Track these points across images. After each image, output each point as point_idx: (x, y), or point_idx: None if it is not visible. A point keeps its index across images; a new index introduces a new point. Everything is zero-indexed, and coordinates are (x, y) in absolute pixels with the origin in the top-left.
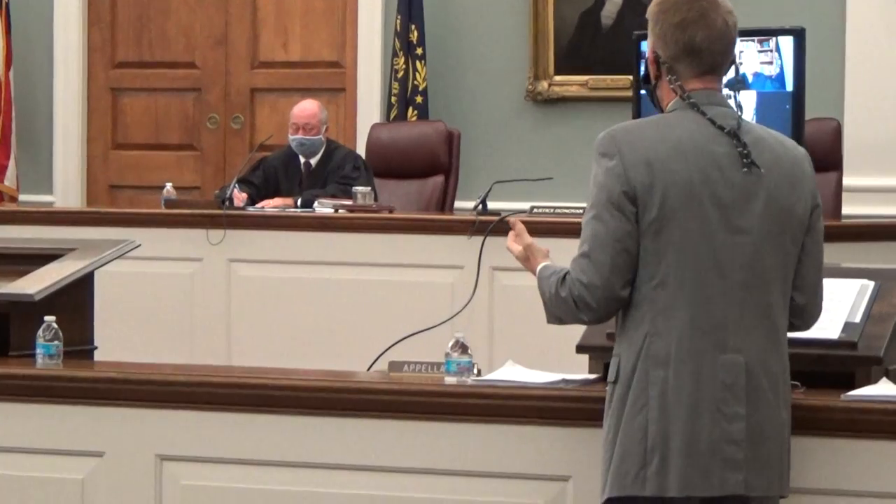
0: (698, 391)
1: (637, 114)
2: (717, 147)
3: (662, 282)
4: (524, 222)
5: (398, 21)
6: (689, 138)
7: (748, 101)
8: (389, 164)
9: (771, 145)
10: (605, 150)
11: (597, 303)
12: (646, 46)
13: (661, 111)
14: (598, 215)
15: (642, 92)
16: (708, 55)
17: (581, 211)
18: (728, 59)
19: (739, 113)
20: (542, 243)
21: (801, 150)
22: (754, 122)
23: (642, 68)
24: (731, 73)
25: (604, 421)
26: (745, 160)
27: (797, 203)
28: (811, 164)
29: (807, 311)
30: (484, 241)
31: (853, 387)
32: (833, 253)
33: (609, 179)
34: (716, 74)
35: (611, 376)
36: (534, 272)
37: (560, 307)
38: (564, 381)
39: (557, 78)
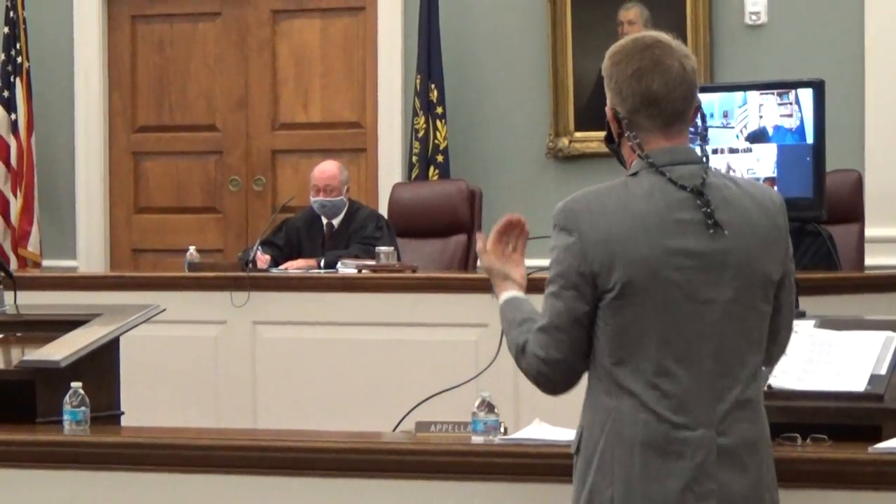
0: (666, 473)
1: None
2: (681, 214)
3: (627, 359)
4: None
5: (418, 80)
6: (652, 208)
7: (768, 155)
8: (412, 223)
9: (743, 204)
10: (565, 224)
11: (556, 377)
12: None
13: (627, 169)
14: (556, 292)
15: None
16: (667, 103)
17: None
18: (691, 105)
19: (706, 167)
20: None
21: (776, 199)
22: (775, 173)
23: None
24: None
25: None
26: (709, 221)
27: (770, 262)
28: (785, 212)
29: (773, 359)
30: None
31: (880, 439)
32: (857, 305)
33: (568, 257)
34: (679, 125)
35: (573, 447)
36: (497, 298)
37: (520, 368)
38: None
39: (578, 134)
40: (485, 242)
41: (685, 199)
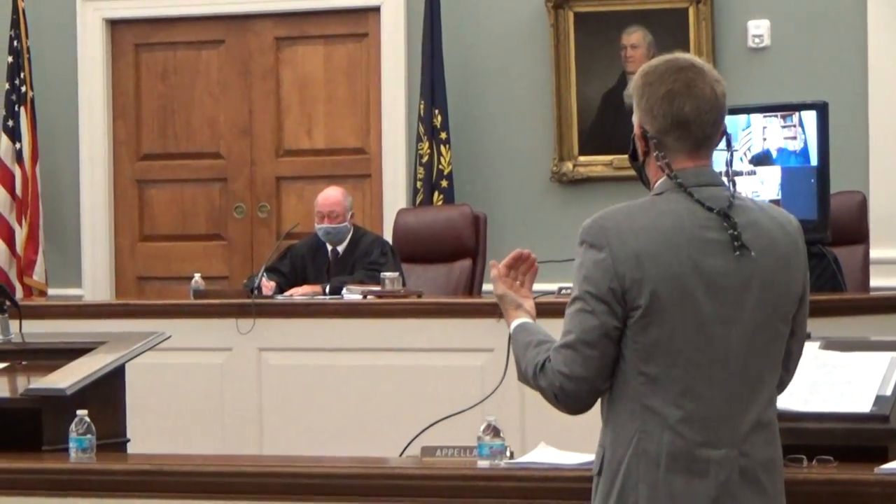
0: (690, 492)
1: None
2: (708, 233)
3: (652, 378)
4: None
5: (422, 106)
6: (679, 226)
7: (772, 177)
8: (416, 248)
9: (766, 227)
10: (595, 240)
11: (579, 395)
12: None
13: (650, 188)
14: (585, 307)
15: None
16: (697, 127)
17: None
18: (718, 129)
19: (732, 190)
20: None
21: (794, 223)
22: (780, 196)
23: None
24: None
25: None
26: (735, 243)
27: (791, 284)
28: (802, 234)
29: (784, 383)
30: None
31: (886, 460)
32: (862, 326)
33: (597, 273)
34: (705, 149)
35: (595, 468)
36: (508, 325)
37: (536, 389)
38: None
39: (582, 158)
40: (500, 270)
41: (712, 220)
